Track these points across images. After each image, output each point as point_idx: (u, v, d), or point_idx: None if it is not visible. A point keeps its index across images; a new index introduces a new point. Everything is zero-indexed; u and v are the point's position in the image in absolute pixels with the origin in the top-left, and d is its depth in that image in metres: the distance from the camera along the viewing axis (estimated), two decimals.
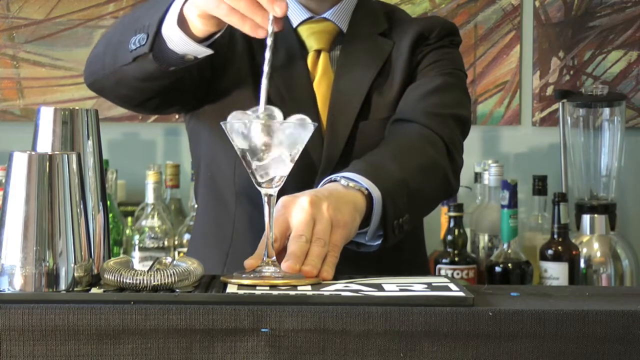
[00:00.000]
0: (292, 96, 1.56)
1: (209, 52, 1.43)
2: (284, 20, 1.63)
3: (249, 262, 1.26)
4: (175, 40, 1.40)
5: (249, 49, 1.60)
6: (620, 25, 2.71)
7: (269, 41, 1.31)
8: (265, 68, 1.30)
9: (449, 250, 2.35)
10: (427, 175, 1.49)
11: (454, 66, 1.68)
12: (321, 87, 1.61)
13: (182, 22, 1.39)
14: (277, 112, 1.25)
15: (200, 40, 1.41)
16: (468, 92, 1.69)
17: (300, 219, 1.28)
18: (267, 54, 1.30)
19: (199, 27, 1.38)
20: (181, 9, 1.38)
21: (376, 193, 1.36)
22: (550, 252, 2.31)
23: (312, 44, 1.63)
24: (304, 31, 1.64)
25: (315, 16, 1.65)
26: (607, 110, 2.58)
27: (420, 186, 1.46)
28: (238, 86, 1.58)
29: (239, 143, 1.23)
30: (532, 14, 2.71)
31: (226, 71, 1.60)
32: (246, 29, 1.33)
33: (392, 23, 1.68)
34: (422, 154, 1.51)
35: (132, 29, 1.44)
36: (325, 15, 1.65)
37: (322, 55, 1.62)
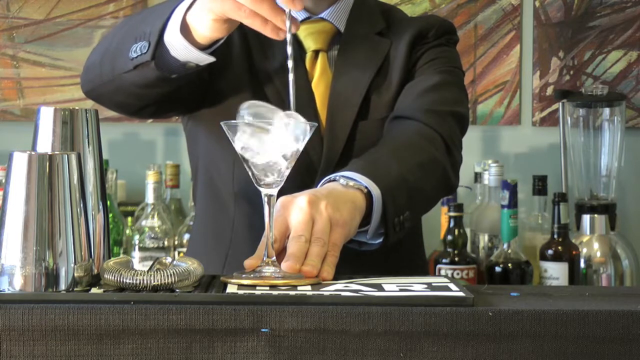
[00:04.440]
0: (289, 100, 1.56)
1: (211, 59, 1.43)
2: None
3: (248, 262, 1.26)
4: (178, 47, 1.40)
5: (246, 52, 1.60)
6: (620, 25, 2.72)
7: (288, 37, 1.35)
8: (290, 63, 1.33)
9: (449, 250, 2.35)
10: (427, 172, 1.49)
11: (452, 64, 1.68)
12: (319, 88, 1.61)
13: (185, 30, 1.39)
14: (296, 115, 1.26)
15: (202, 48, 1.41)
16: (466, 90, 1.69)
17: (299, 219, 1.28)
18: (289, 50, 1.34)
19: (206, 34, 1.38)
20: (184, 17, 1.38)
21: (376, 191, 1.36)
22: (550, 252, 2.31)
23: (309, 44, 1.63)
24: (301, 31, 1.64)
25: (312, 16, 1.65)
26: (607, 110, 2.58)
27: (420, 183, 1.46)
28: (235, 89, 1.58)
29: (238, 143, 1.23)
30: (532, 14, 2.71)
31: (223, 74, 1.60)
32: (268, 31, 1.35)
33: (389, 22, 1.69)
34: (420, 150, 1.51)
35: (131, 36, 1.44)
36: (323, 15, 1.65)
37: (320, 56, 1.63)
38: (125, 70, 1.45)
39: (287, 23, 1.34)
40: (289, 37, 1.34)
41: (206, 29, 1.37)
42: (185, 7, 1.39)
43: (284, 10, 1.34)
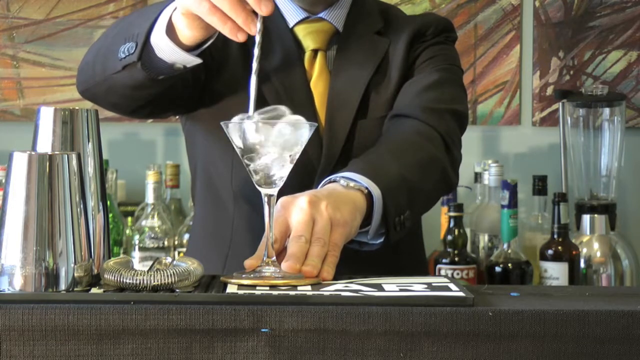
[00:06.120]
0: (290, 96, 1.56)
1: (198, 61, 1.42)
2: (281, 20, 1.63)
3: (249, 262, 1.26)
4: (164, 48, 1.40)
5: (243, 53, 1.60)
6: (620, 25, 2.72)
7: (257, 38, 1.31)
8: (254, 65, 1.30)
9: (449, 250, 2.35)
10: (426, 171, 1.49)
11: (450, 62, 1.68)
12: (318, 87, 1.61)
13: (171, 31, 1.39)
14: (285, 110, 1.24)
15: (189, 49, 1.40)
16: (464, 87, 1.70)
17: (299, 219, 1.28)
18: (256, 51, 1.31)
19: (186, 33, 1.38)
20: (170, 18, 1.38)
21: (376, 191, 1.36)
22: (550, 252, 2.31)
23: (308, 43, 1.63)
24: (300, 31, 1.64)
25: (311, 16, 1.65)
26: (607, 110, 2.58)
27: (420, 182, 1.46)
28: (233, 90, 1.58)
29: (238, 143, 1.23)
30: (532, 14, 2.71)
31: (221, 75, 1.60)
32: (226, 30, 1.31)
33: (387, 21, 1.69)
34: (420, 149, 1.51)
35: (121, 37, 1.44)
36: (321, 14, 1.65)
37: (319, 55, 1.63)
38: (114, 70, 1.45)
39: (258, 25, 1.31)
40: (258, 37, 1.31)
41: (183, 26, 1.37)
42: (172, 8, 1.39)
43: (248, 11, 1.30)
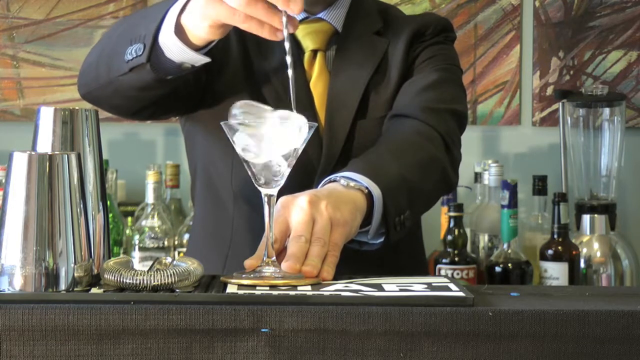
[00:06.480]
0: (290, 97, 1.56)
1: (207, 60, 1.42)
2: None
3: (248, 262, 1.26)
4: (173, 49, 1.40)
5: (244, 52, 1.60)
6: (620, 25, 2.72)
7: (287, 45, 1.31)
8: (290, 72, 1.30)
9: (449, 250, 2.35)
10: (426, 171, 1.49)
11: (449, 62, 1.68)
12: (318, 87, 1.61)
13: (179, 31, 1.39)
14: (294, 116, 1.24)
15: (197, 49, 1.40)
16: (464, 87, 1.70)
17: (299, 219, 1.28)
18: (289, 59, 1.30)
19: (202, 36, 1.38)
20: (177, 18, 1.38)
21: (376, 191, 1.36)
22: (550, 252, 2.31)
23: (308, 44, 1.63)
24: (299, 31, 1.64)
25: (310, 16, 1.65)
26: (607, 110, 2.58)
27: (420, 182, 1.46)
28: (233, 90, 1.58)
29: (238, 143, 1.23)
30: (532, 14, 2.71)
31: (221, 75, 1.60)
32: (265, 33, 1.33)
33: (386, 21, 1.69)
34: (420, 149, 1.51)
35: (126, 38, 1.44)
36: (320, 15, 1.65)
37: (319, 55, 1.63)
38: (121, 72, 1.45)
39: (284, 20, 1.31)
40: (285, 33, 1.32)
41: (202, 32, 1.37)
42: (178, 8, 1.38)
43: (280, 11, 1.32)
